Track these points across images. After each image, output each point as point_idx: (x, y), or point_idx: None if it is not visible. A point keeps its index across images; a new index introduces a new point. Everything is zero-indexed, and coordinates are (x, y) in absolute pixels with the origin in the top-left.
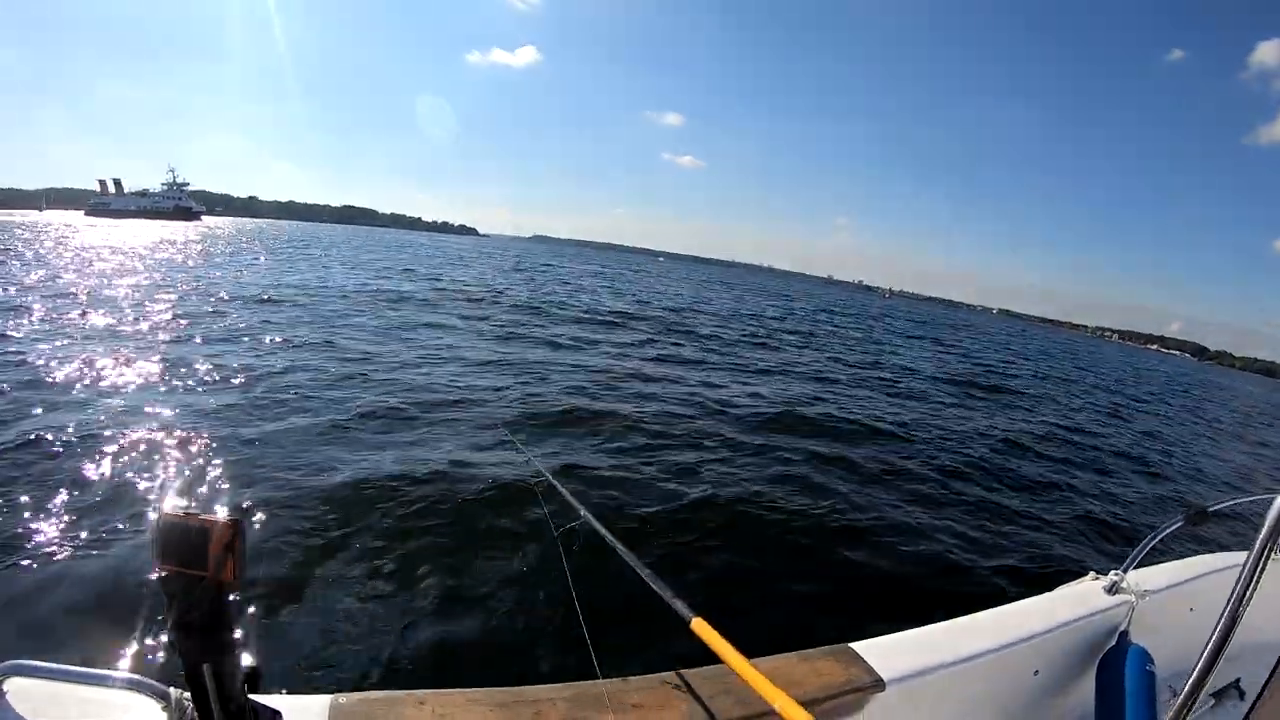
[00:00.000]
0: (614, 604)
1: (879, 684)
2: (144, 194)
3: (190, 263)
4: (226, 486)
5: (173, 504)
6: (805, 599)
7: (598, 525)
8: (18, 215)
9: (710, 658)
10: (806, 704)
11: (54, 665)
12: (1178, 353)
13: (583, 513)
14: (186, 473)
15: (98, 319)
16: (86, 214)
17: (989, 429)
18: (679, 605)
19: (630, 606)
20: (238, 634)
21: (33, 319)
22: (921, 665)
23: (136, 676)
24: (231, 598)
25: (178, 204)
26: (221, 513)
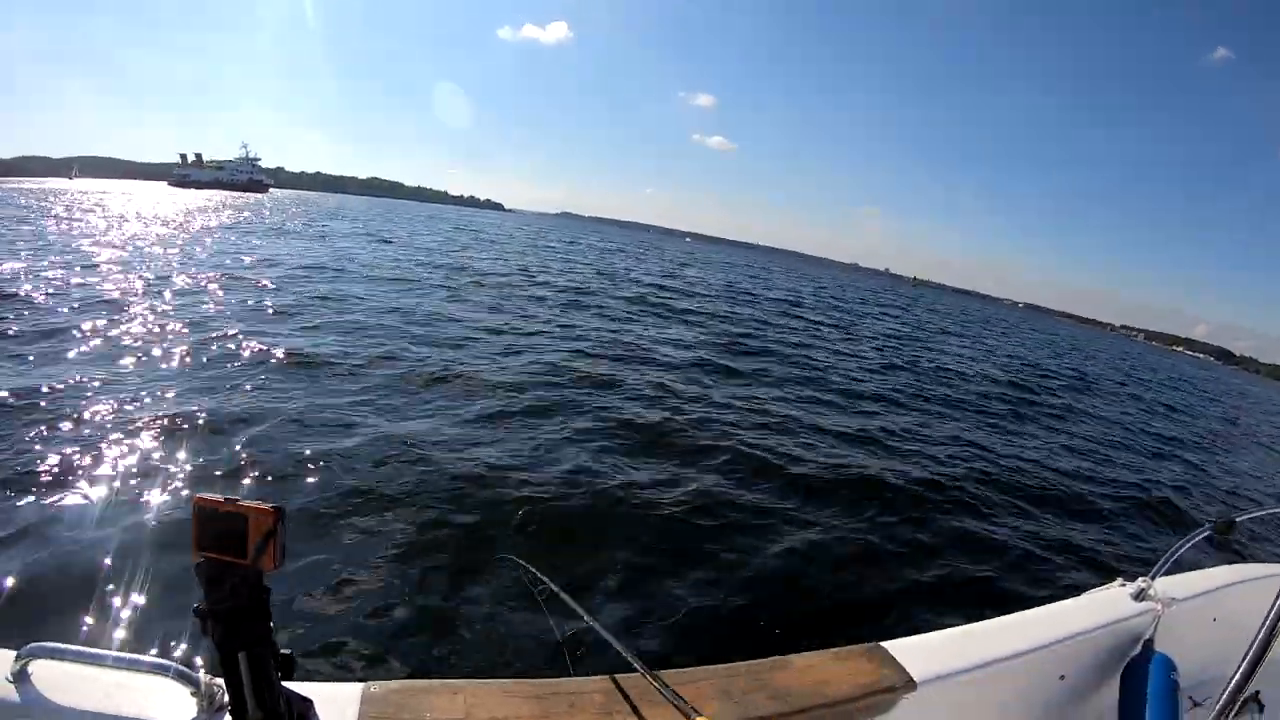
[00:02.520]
0: None
1: (910, 683)
2: (220, 168)
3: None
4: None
5: (210, 490)
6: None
7: (605, 633)
8: (50, 183)
9: (750, 653)
10: (840, 702)
11: (79, 648)
12: (1203, 355)
13: (587, 620)
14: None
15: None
16: (170, 184)
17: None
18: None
19: None
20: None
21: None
22: (952, 666)
23: (164, 661)
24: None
25: (250, 177)
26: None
